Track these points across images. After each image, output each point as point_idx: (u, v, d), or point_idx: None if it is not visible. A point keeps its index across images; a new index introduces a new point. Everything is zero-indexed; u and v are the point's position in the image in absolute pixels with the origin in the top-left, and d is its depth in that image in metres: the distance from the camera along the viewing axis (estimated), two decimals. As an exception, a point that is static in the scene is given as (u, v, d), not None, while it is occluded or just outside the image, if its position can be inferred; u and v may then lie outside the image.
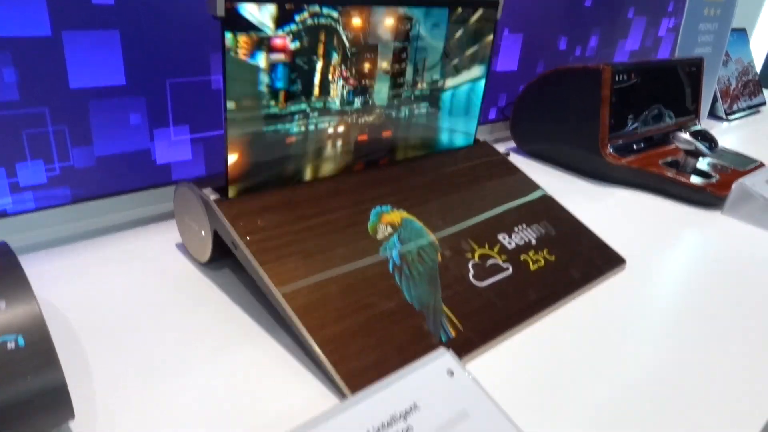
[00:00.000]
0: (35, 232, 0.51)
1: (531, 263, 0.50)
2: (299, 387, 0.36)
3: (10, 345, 0.29)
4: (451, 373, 0.32)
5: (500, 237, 0.51)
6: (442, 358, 0.33)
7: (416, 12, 0.50)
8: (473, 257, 0.48)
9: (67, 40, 0.47)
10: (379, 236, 0.46)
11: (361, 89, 0.49)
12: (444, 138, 0.60)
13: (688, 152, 0.74)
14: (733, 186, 0.68)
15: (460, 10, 0.54)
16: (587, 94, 0.74)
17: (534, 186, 0.60)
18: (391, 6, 0.48)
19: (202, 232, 0.46)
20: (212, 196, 0.44)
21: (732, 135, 1.07)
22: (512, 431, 0.30)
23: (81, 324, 0.41)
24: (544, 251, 0.52)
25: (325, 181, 0.49)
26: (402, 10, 0.49)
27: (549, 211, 0.58)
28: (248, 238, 0.42)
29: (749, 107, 1.25)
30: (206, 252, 0.47)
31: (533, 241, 0.53)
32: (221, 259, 0.49)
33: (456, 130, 0.61)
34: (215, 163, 0.61)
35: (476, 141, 0.63)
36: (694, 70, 0.88)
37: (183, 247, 0.51)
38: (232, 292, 0.46)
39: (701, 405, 0.38)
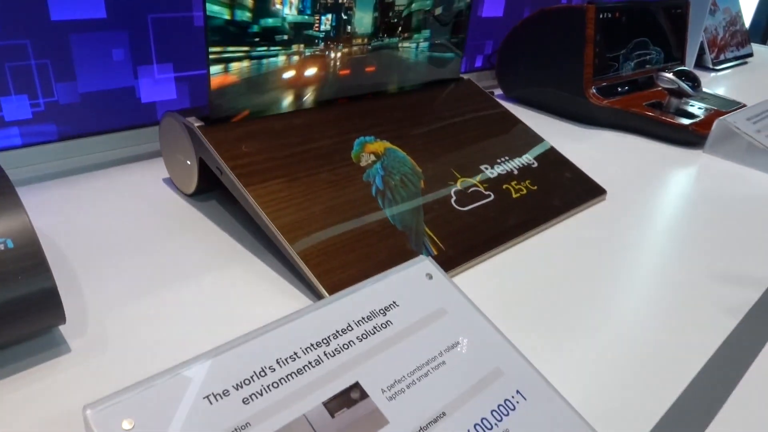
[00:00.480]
0: (22, 169, 0.51)
1: (513, 192, 0.51)
2: (285, 300, 0.38)
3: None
4: (429, 276, 0.33)
5: (483, 167, 0.52)
6: (422, 263, 0.34)
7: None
8: (455, 184, 0.49)
9: (46, -30, 0.47)
10: (363, 164, 0.47)
11: (340, 15, 0.49)
12: (429, 73, 0.60)
13: (671, 92, 0.75)
14: (715, 123, 0.69)
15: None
16: (572, 34, 0.74)
17: (515, 120, 0.61)
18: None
19: (188, 162, 0.47)
20: (197, 123, 0.45)
21: (719, 85, 1.08)
22: (487, 326, 0.32)
23: (71, 249, 0.41)
24: (527, 181, 0.53)
25: (308, 112, 0.50)
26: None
27: (530, 145, 0.58)
28: (233, 162, 0.42)
29: (736, 58, 1.26)
30: (192, 182, 0.47)
31: (515, 172, 0.53)
32: (207, 191, 0.50)
33: (442, 66, 0.61)
34: (201, 102, 0.61)
35: (461, 78, 0.64)
36: (679, 12, 0.89)
37: (170, 182, 0.52)
38: (219, 221, 0.47)
39: (666, 316, 0.39)
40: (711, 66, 1.17)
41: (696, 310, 0.40)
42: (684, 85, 0.72)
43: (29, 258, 0.30)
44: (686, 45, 0.92)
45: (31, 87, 0.50)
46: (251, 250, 0.43)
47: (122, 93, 0.55)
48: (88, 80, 0.52)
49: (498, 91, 0.88)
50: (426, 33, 0.57)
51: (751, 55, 1.32)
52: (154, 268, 0.40)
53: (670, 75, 0.73)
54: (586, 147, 0.70)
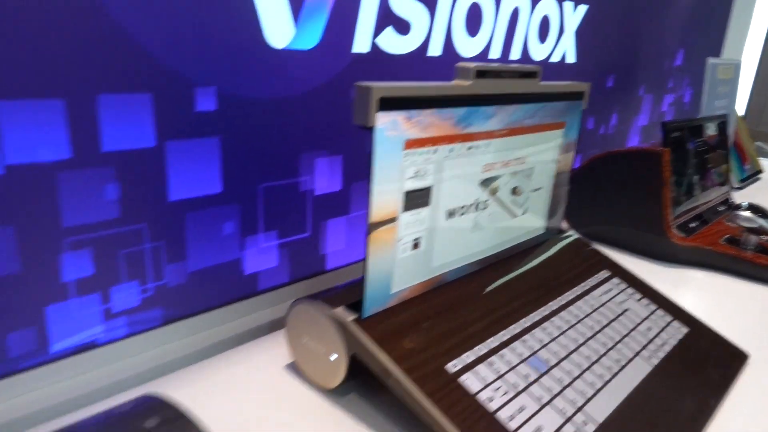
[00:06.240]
0: (124, 363, 0.45)
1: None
2: None
3: None
4: None
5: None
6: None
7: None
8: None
9: (170, 149, 0.44)
10: (524, 349, 0.43)
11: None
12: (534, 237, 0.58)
13: (750, 229, 0.74)
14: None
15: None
16: (645, 176, 0.75)
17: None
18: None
19: (332, 357, 0.42)
20: (349, 317, 0.40)
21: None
22: None
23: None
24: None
25: (455, 285, 0.46)
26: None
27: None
28: (404, 364, 0.37)
29: (751, 174, 1.30)
30: (336, 377, 0.42)
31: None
32: (346, 382, 0.44)
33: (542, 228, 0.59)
34: (297, 269, 0.56)
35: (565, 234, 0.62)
36: (722, 125, 0.91)
37: (294, 369, 0.46)
38: (371, 422, 0.41)
39: None
40: (735, 185, 1.20)
41: None
42: (764, 222, 0.72)
43: None
44: (730, 161, 0.94)
45: (143, 272, 0.45)
46: (425, 466, 0.37)
47: (228, 267, 0.50)
48: (198, 258, 0.48)
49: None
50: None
51: (760, 171, 1.37)
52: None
53: (748, 214, 0.73)
54: (683, 292, 0.68)
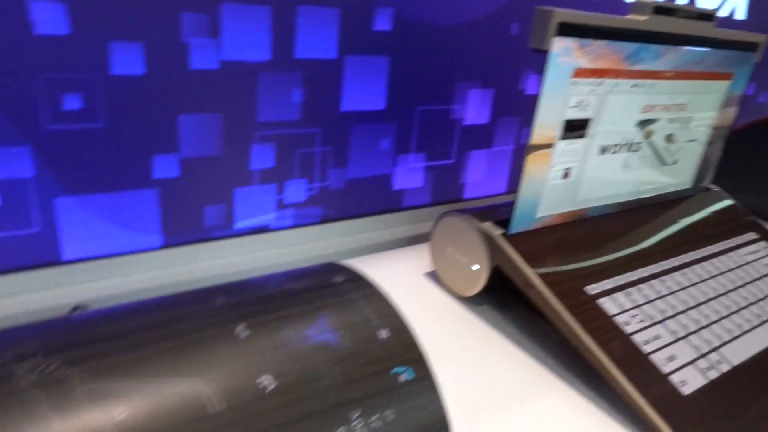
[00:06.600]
0: (287, 250, 0.51)
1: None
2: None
3: (403, 377, 0.28)
4: None
5: None
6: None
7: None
8: None
9: (347, 63, 0.48)
10: (662, 287, 0.44)
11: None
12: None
13: None
14: None
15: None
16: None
17: None
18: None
19: (474, 267, 0.45)
20: (496, 231, 0.43)
21: None
22: None
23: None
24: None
25: (603, 220, 0.48)
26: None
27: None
28: (545, 279, 0.40)
29: None
30: (474, 287, 0.46)
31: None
32: (481, 293, 0.48)
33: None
34: (438, 193, 0.60)
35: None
36: None
37: (433, 277, 0.50)
38: (504, 331, 0.44)
39: None
40: None
41: None
42: None
43: (428, 392, 0.28)
44: None
45: (311, 172, 0.50)
46: (557, 372, 0.40)
47: (379, 180, 0.55)
48: (356, 167, 0.53)
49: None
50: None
51: None
52: (460, 392, 0.37)
53: None
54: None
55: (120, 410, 0.22)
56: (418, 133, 0.55)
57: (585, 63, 0.41)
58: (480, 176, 0.63)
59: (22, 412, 0.20)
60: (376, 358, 0.28)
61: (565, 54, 0.39)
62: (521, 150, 0.64)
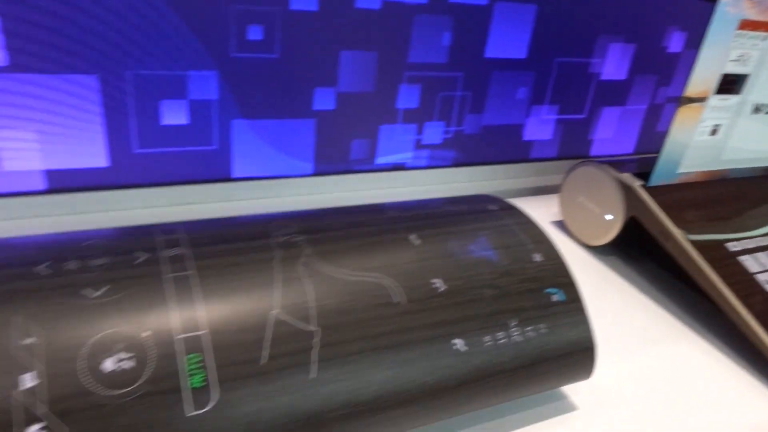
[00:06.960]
0: (422, 188, 0.54)
1: None
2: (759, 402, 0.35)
3: (554, 298, 0.30)
4: None
5: None
6: None
7: None
8: None
9: (497, 9, 0.49)
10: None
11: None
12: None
13: None
14: None
15: None
16: None
17: None
18: None
19: (607, 217, 0.46)
20: (636, 182, 0.44)
21: None
22: None
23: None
24: None
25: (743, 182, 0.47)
26: None
27: None
28: (687, 232, 0.40)
29: None
30: (606, 236, 0.47)
31: None
32: (611, 245, 0.48)
33: None
34: (565, 147, 0.61)
35: None
36: None
37: (561, 226, 0.52)
38: (633, 281, 0.45)
39: None
40: None
41: None
42: None
43: (576, 313, 0.30)
44: None
45: (449, 115, 0.52)
46: (688, 323, 0.41)
47: (511, 129, 0.56)
48: (492, 114, 0.54)
49: None
50: None
51: None
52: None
53: None
54: None
55: (322, 283, 0.26)
56: (553, 85, 0.56)
57: (753, 14, 0.40)
58: (609, 134, 0.62)
59: (262, 263, 0.25)
60: (531, 277, 0.30)
61: (733, 3, 0.38)
62: (655, 110, 0.63)
